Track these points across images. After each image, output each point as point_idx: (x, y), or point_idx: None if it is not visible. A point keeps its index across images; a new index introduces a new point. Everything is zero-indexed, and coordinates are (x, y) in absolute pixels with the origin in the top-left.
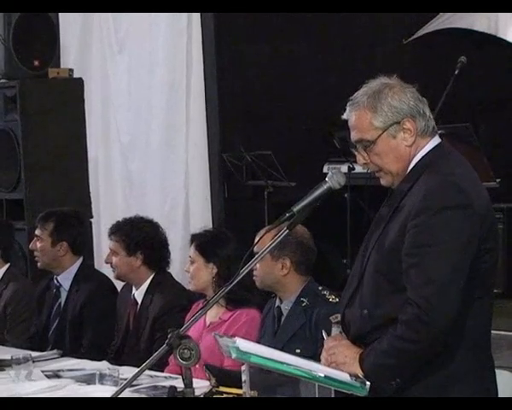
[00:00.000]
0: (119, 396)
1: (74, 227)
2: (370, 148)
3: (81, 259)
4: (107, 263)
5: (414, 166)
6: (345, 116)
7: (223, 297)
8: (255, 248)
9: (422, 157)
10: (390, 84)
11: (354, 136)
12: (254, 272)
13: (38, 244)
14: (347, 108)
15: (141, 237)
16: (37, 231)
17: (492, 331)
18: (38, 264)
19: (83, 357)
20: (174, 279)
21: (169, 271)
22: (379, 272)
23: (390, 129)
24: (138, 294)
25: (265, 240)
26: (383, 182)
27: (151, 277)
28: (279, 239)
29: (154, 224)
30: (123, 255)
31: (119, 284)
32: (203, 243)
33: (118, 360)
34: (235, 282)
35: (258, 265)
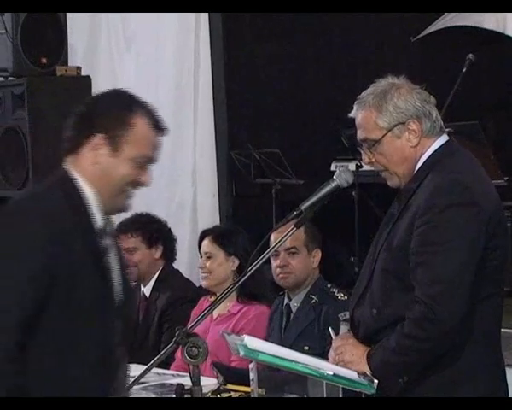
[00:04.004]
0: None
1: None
2: (375, 147)
3: None
4: None
5: (422, 165)
6: (352, 114)
7: (235, 290)
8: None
9: (430, 156)
10: (397, 84)
11: (360, 135)
12: (284, 270)
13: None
14: (354, 107)
15: (160, 227)
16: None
17: (502, 329)
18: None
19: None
20: (179, 272)
21: (176, 268)
22: (388, 270)
23: (395, 129)
24: (147, 289)
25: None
26: (390, 183)
27: (159, 270)
28: (287, 237)
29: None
30: (143, 249)
31: None
32: (221, 236)
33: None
34: (245, 277)
35: (292, 261)
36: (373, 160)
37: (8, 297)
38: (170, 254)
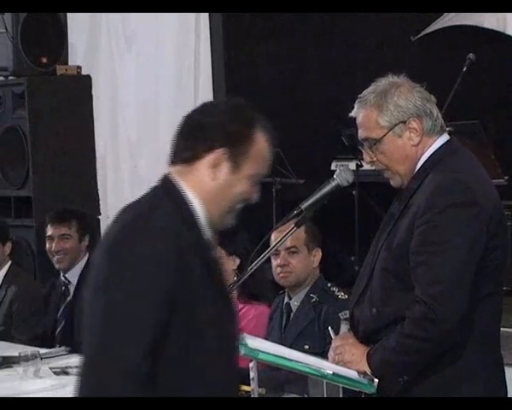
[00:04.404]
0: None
1: (92, 221)
2: (376, 146)
3: (87, 255)
4: None
5: (422, 164)
6: (352, 114)
7: (235, 289)
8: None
9: (431, 155)
10: (398, 83)
11: (361, 134)
12: (284, 269)
13: (66, 244)
14: (355, 106)
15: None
16: (63, 230)
17: (502, 329)
18: (59, 265)
19: None
20: None
21: None
22: (388, 270)
23: (396, 128)
24: None
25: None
26: (392, 183)
27: None
28: (288, 236)
29: None
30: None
31: None
32: (221, 236)
33: None
34: (246, 277)
35: (292, 260)
36: (374, 159)
37: (138, 323)
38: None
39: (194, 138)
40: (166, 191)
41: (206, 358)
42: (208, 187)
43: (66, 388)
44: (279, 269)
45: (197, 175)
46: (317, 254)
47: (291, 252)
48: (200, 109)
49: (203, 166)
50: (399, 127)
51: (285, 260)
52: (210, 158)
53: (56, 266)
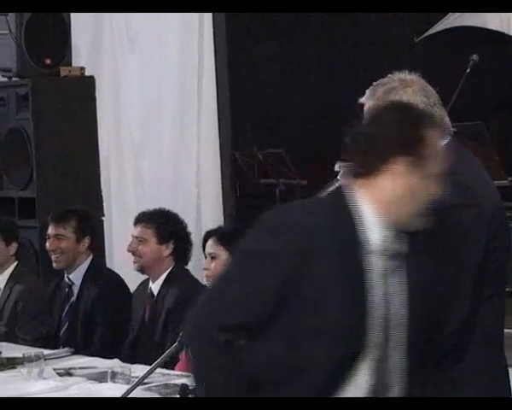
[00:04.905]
0: (130, 395)
1: (94, 222)
2: None
3: (91, 256)
4: (129, 252)
5: None
6: (362, 100)
7: None
8: None
9: None
10: (407, 82)
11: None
12: None
13: (61, 244)
14: (366, 92)
15: (175, 227)
16: (58, 230)
17: (505, 330)
18: (56, 265)
19: (94, 354)
20: (189, 272)
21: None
22: None
23: None
24: (155, 286)
25: None
26: None
27: (169, 269)
28: None
29: (181, 219)
30: (153, 243)
31: (130, 283)
32: (225, 236)
33: (132, 354)
34: None
35: None
36: None
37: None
38: (181, 255)
39: (370, 152)
40: (331, 196)
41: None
42: (392, 196)
43: (70, 389)
44: None
45: (380, 187)
46: None
47: None
48: (368, 121)
49: (385, 177)
50: None
51: None
52: (391, 168)
53: (54, 265)
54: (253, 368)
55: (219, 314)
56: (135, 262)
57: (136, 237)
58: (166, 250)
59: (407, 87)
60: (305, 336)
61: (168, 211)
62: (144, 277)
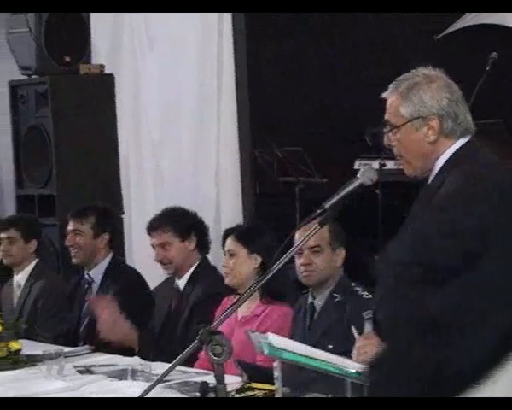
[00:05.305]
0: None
1: (114, 219)
2: (394, 132)
3: (111, 254)
4: (159, 262)
5: (442, 166)
6: (384, 94)
7: (258, 290)
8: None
9: (451, 156)
10: (431, 77)
11: (386, 115)
12: (308, 268)
13: (78, 239)
14: (389, 87)
15: (192, 219)
16: (76, 226)
17: None
18: (74, 260)
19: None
20: (216, 269)
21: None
22: None
23: (415, 121)
24: (181, 282)
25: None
26: (405, 170)
27: (195, 264)
28: (312, 236)
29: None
30: (177, 242)
31: (149, 280)
32: (244, 234)
33: (156, 349)
34: (269, 276)
35: (315, 259)
36: (392, 144)
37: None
38: (204, 244)
39: None
40: None
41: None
42: None
43: (90, 386)
44: (302, 268)
45: None
46: (341, 254)
47: (314, 251)
48: None
49: None
50: (418, 121)
51: (308, 260)
52: None
53: (73, 260)
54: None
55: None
56: (166, 269)
57: (159, 245)
58: (191, 244)
59: (431, 83)
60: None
61: (174, 208)
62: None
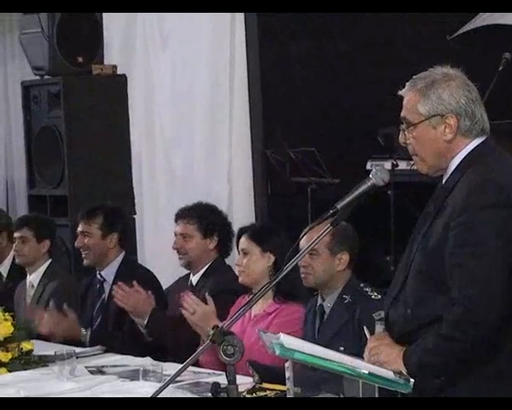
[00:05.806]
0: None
1: (123, 218)
2: (411, 129)
3: (123, 253)
4: (175, 249)
5: (458, 165)
6: (401, 92)
7: (271, 289)
8: (301, 243)
9: (466, 155)
10: (450, 75)
11: (402, 112)
12: (305, 270)
13: (86, 240)
14: (406, 85)
15: (218, 219)
16: (83, 228)
17: None
18: (85, 261)
19: (124, 351)
20: (231, 268)
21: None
22: (422, 271)
23: (432, 119)
24: (195, 278)
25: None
26: (417, 167)
27: (211, 262)
28: (322, 237)
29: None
30: (198, 238)
31: (162, 280)
32: (257, 232)
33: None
34: (281, 277)
35: (312, 262)
36: (407, 141)
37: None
38: (224, 248)
39: None
40: None
41: None
42: None
43: (102, 387)
44: (302, 269)
45: None
46: (343, 258)
47: (311, 254)
48: None
49: None
50: (436, 119)
51: (306, 262)
52: None
53: (84, 262)
54: None
55: None
56: (181, 259)
57: (181, 234)
58: (211, 243)
59: (450, 81)
60: None
61: (207, 204)
62: (180, 273)
